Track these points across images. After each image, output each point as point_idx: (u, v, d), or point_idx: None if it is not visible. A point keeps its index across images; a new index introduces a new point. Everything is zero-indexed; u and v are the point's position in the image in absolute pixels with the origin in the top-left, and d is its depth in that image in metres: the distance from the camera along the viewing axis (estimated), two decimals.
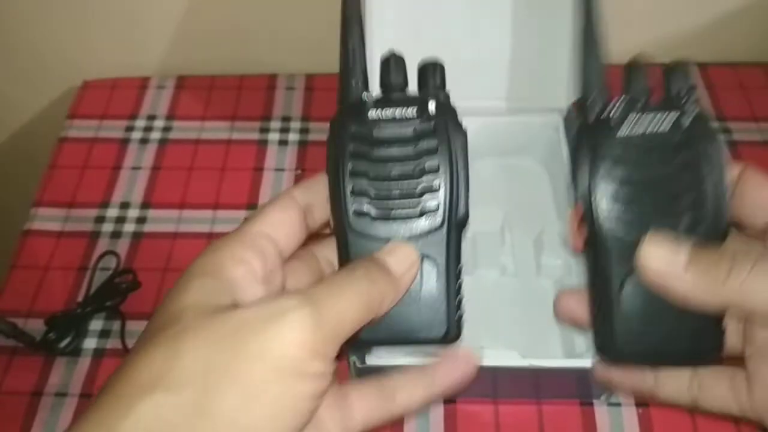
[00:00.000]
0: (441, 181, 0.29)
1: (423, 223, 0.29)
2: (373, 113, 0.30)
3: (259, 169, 0.60)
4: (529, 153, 0.56)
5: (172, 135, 0.62)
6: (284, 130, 0.63)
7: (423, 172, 0.29)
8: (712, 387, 0.31)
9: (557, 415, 0.46)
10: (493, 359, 0.42)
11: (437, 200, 0.29)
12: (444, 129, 0.29)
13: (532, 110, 0.54)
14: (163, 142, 0.62)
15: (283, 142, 0.62)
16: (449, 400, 0.46)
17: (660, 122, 0.29)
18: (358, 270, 0.27)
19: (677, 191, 0.29)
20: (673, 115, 0.29)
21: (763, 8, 0.64)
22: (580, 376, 0.43)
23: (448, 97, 0.31)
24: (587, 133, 0.30)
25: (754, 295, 0.26)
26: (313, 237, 0.31)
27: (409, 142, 0.29)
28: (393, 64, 0.31)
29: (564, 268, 0.48)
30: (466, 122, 0.30)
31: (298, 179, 0.59)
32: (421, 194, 0.29)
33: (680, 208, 0.29)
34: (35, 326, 0.50)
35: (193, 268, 0.27)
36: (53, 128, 0.64)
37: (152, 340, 0.24)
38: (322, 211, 0.31)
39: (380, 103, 0.30)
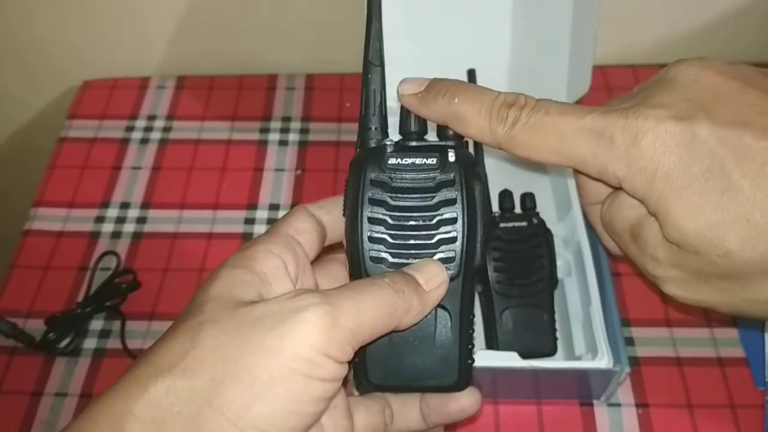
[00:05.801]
0: (458, 232, 0.28)
1: None
2: (392, 160, 0.29)
3: (259, 170, 0.60)
4: None
5: (172, 135, 0.62)
6: (284, 130, 0.63)
7: (441, 223, 0.29)
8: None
9: (557, 415, 0.46)
10: (493, 360, 0.42)
11: (454, 251, 0.28)
12: (463, 179, 0.29)
13: None
14: (163, 142, 0.62)
15: (283, 143, 0.62)
16: None
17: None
18: (383, 278, 0.27)
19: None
20: None
21: (763, 8, 0.64)
22: (580, 376, 0.43)
23: (466, 145, 0.30)
24: None
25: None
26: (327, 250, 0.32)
27: (429, 192, 0.29)
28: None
29: (564, 269, 0.48)
30: None
31: (298, 179, 0.59)
32: (438, 245, 0.29)
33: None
34: (35, 326, 0.50)
35: (228, 260, 0.28)
36: (53, 128, 0.64)
37: (175, 329, 0.25)
38: (333, 233, 0.31)
39: (400, 150, 0.29)
